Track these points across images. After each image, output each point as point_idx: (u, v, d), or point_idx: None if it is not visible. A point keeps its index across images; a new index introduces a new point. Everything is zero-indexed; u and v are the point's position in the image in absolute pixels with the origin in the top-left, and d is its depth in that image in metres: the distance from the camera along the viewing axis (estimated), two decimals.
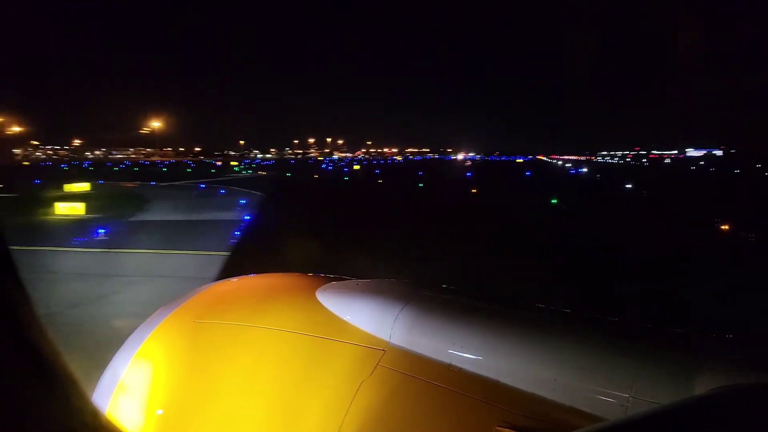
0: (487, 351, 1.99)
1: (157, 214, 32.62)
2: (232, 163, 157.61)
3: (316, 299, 2.48)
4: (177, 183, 61.62)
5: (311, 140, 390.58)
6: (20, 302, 0.85)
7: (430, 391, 1.94)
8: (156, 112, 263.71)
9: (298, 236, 19.91)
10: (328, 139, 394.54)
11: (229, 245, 20.88)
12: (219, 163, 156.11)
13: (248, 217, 27.85)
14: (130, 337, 2.50)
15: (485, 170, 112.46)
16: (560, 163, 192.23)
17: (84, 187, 50.13)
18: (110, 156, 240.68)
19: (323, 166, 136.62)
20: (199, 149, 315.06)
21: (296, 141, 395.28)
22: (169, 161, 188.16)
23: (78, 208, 31.93)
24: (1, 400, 0.73)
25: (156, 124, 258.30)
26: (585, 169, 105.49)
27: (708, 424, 1.22)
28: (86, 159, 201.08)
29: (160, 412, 2.18)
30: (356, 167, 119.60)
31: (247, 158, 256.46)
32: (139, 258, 19.02)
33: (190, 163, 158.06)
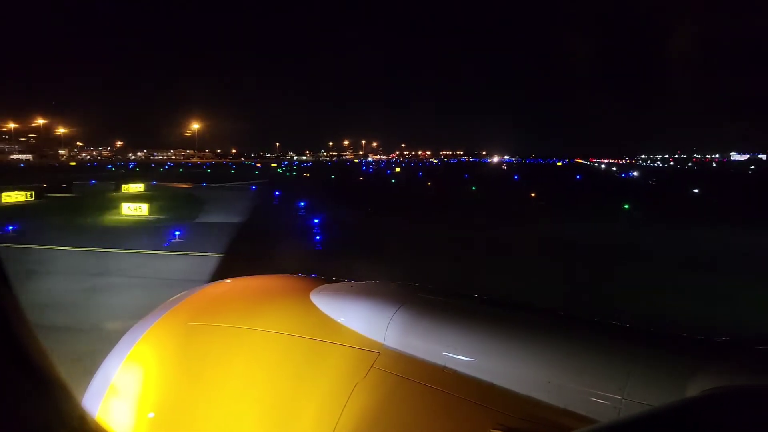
0: (482, 353, 1.96)
1: (219, 215, 32.01)
2: (272, 165, 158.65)
3: (311, 301, 2.44)
4: (226, 184, 61.47)
5: (346, 142, 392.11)
6: (8, 305, 0.84)
7: (424, 393, 1.91)
8: (195, 114, 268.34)
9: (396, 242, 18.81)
10: (363, 142, 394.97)
11: (317, 248, 19.98)
12: (259, 165, 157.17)
13: (317, 220, 26.79)
14: (121, 340, 2.44)
15: (530, 173, 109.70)
16: (603, 166, 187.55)
17: (139, 188, 50.29)
18: (152, 157, 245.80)
19: (363, 168, 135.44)
20: (235, 151, 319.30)
21: (331, 143, 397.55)
22: (210, 162, 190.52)
23: (143, 210, 31.54)
24: None
25: (196, 126, 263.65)
26: (635, 173, 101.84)
27: (700, 426, 1.22)
28: (129, 160, 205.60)
29: (151, 415, 2.14)
30: (397, 170, 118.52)
31: (284, 160, 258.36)
32: (227, 262, 18.14)
33: (231, 165, 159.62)
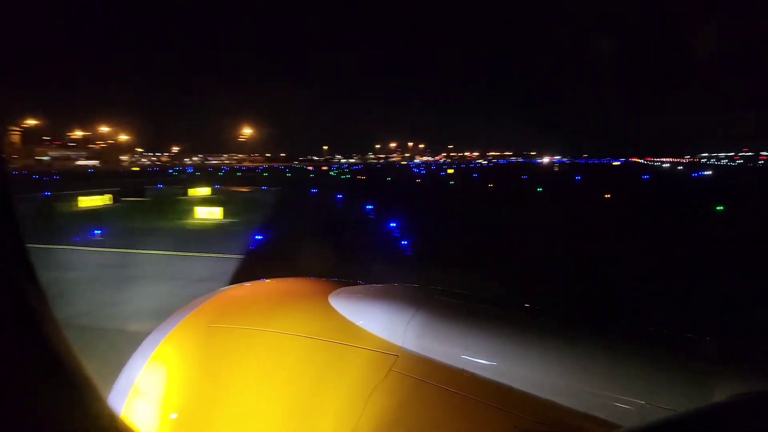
0: (501, 356, 1.97)
1: (289, 219, 31.82)
2: (323, 167, 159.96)
3: (329, 304, 2.46)
4: (284, 187, 61.90)
5: (393, 144, 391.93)
6: (39, 304, 0.86)
7: (443, 396, 1.91)
8: (246, 120, 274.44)
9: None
10: (410, 144, 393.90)
11: (405, 254, 19.24)
12: (311, 168, 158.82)
13: (394, 224, 26.06)
14: (144, 341, 2.48)
15: (591, 173, 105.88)
16: (667, 165, 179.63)
17: (206, 192, 51.12)
18: (206, 162, 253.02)
19: (416, 170, 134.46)
20: (283, 155, 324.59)
21: (378, 146, 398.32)
22: (263, 166, 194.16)
23: (217, 214, 31.71)
24: (19, 402, 0.75)
25: (247, 131, 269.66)
26: (708, 173, 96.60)
27: None
28: (186, 165, 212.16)
29: (174, 416, 2.17)
30: (450, 171, 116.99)
31: (333, 164, 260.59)
32: (311, 265, 17.64)
33: (284, 168, 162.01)
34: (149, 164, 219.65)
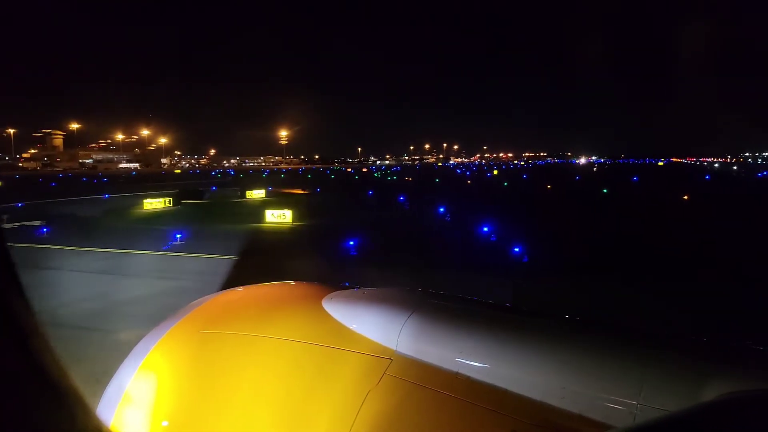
0: (495, 359, 1.96)
1: (362, 221, 30.49)
2: (363, 169, 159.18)
3: (323, 308, 2.44)
4: (337, 190, 60.74)
5: (427, 146, 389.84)
6: (24, 314, 0.85)
7: (437, 400, 1.91)
8: (282, 123, 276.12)
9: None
10: (444, 145, 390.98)
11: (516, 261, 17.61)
12: (350, 170, 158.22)
13: (486, 229, 24.37)
14: (134, 348, 2.45)
15: (643, 174, 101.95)
16: (717, 165, 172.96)
17: (261, 194, 50.38)
18: (243, 164, 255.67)
19: (459, 171, 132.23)
20: (318, 157, 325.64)
21: (412, 147, 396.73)
22: (302, 168, 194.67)
23: (287, 217, 30.61)
24: (6, 413, 0.74)
25: (283, 133, 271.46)
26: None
27: (717, 431, 1.23)
28: (224, 167, 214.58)
29: (165, 423, 2.15)
30: (495, 172, 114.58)
31: (370, 165, 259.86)
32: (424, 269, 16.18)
33: (325, 170, 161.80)
34: (188, 167, 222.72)
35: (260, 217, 31.26)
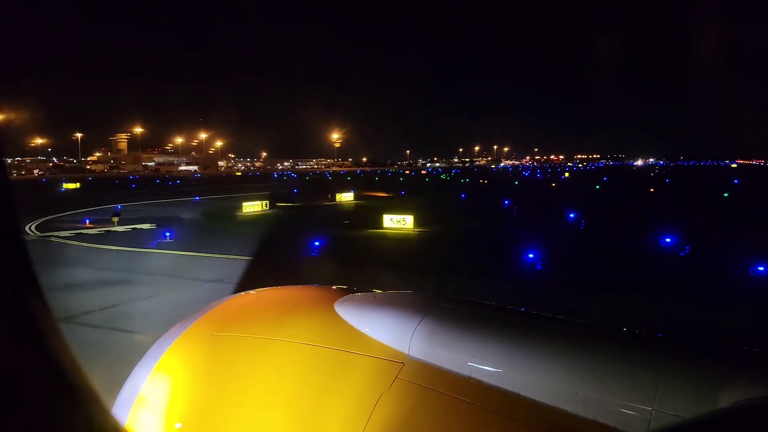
0: (507, 363, 1.95)
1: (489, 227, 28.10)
2: (423, 171, 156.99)
3: (335, 312, 2.44)
4: (420, 192, 58.55)
5: (477, 148, 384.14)
6: (42, 314, 0.86)
7: (449, 404, 1.91)
8: (334, 126, 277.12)
9: None
10: (495, 147, 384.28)
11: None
12: (409, 172, 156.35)
13: (669, 240, 21.58)
14: (149, 350, 2.48)
15: (724, 177, 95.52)
16: None
17: (350, 197, 48.86)
18: (297, 167, 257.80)
19: (526, 173, 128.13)
20: (365, 159, 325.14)
21: (461, 149, 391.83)
22: (359, 170, 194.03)
23: (407, 223, 28.60)
24: (23, 413, 0.75)
25: (335, 136, 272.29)
26: None
27: None
28: (278, 170, 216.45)
29: (179, 425, 2.17)
30: (566, 174, 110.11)
31: (427, 167, 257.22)
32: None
33: (387, 172, 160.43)
34: (245, 169, 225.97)
35: (373, 222, 29.49)
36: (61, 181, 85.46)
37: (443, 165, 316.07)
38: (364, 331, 2.29)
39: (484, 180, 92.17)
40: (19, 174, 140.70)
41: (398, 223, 28.81)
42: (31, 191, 64.51)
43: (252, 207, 38.88)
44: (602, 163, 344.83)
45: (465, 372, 1.97)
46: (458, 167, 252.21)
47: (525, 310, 2.44)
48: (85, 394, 0.85)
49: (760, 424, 1.25)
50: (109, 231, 28.07)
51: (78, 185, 76.45)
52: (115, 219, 30.47)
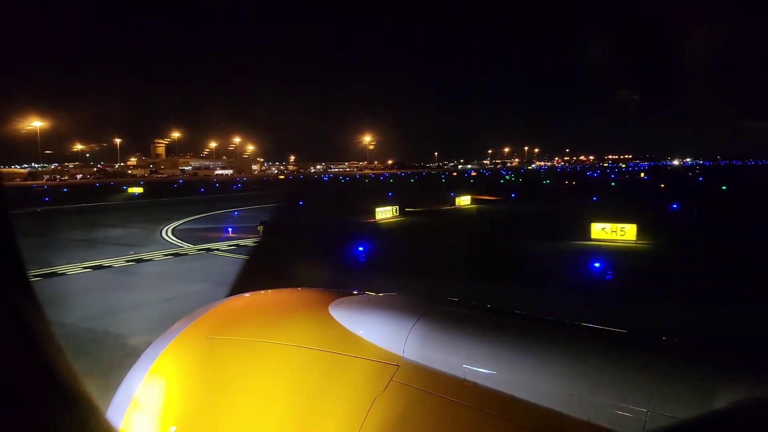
0: (503, 365, 1.94)
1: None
2: (473, 173, 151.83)
3: (329, 314, 2.43)
4: (531, 194, 53.49)
5: (506, 149, 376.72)
6: (34, 317, 0.85)
7: (444, 406, 1.90)
8: (364, 128, 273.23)
9: None
10: (526, 148, 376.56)
11: None
12: (455, 174, 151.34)
13: None
14: (143, 354, 2.47)
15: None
16: None
17: (467, 201, 44.11)
18: (329, 170, 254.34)
19: (589, 173, 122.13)
20: (390, 162, 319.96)
21: (490, 150, 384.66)
22: (403, 173, 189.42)
23: (625, 232, 23.72)
24: (16, 417, 0.74)
25: (367, 138, 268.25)
26: None
27: None
28: (310, 173, 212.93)
29: (173, 429, 2.15)
30: (642, 174, 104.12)
31: (468, 169, 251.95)
32: None
33: (423, 174, 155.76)
34: (277, 172, 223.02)
35: (564, 231, 24.74)
36: (123, 187, 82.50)
37: (474, 166, 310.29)
38: (358, 333, 2.25)
39: (570, 182, 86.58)
40: (61, 179, 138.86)
41: (613, 233, 24.00)
42: (99, 195, 61.16)
43: (385, 213, 34.70)
44: (643, 164, 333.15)
45: (460, 374, 1.95)
46: (489, 169, 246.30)
47: (520, 312, 2.38)
48: (79, 397, 0.84)
49: (756, 424, 1.23)
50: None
51: (142, 190, 72.90)
52: (261, 228, 26.37)
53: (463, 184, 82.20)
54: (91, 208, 46.52)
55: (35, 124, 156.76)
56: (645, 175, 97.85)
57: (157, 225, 30.81)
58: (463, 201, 43.89)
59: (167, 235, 27.38)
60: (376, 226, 31.49)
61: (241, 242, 24.24)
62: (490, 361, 1.95)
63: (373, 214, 34.11)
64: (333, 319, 2.36)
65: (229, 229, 27.19)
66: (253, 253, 21.26)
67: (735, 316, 11.72)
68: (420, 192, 54.60)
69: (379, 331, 2.21)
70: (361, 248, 20.60)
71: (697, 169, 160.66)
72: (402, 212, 36.15)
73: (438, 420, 1.87)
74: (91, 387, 0.85)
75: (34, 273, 17.63)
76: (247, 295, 3.04)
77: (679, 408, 1.57)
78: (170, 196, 61.05)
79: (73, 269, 18.68)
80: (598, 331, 2.20)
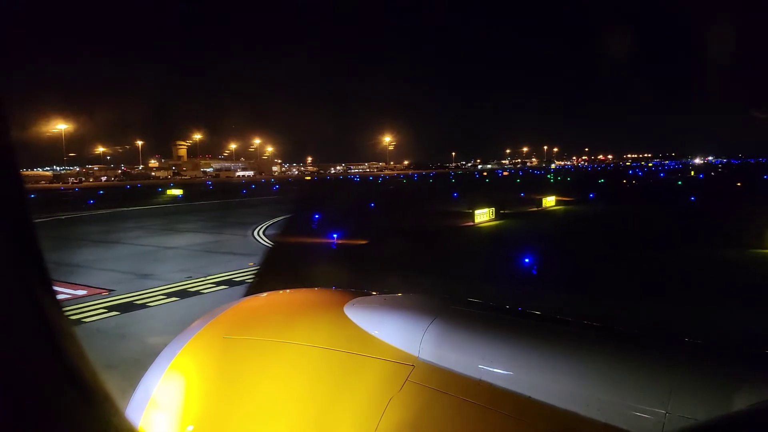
0: (518, 366, 1.93)
1: None
2: (505, 173, 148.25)
3: (345, 314, 2.41)
4: (606, 195, 49.86)
5: (525, 149, 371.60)
6: (53, 313, 0.85)
7: (460, 406, 1.89)
8: (381, 129, 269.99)
9: None
10: (545, 147, 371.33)
11: None
12: (485, 174, 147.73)
13: None
14: (161, 353, 2.47)
15: None
16: None
17: (551, 201, 40.70)
18: (349, 170, 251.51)
19: (631, 172, 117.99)
20: (407, 162, 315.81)
21: (508, 150, 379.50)
22: (432, 172, 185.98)
23: None
24: (37, 415, 0.74)
25: (386, 139, 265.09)
26: None
27: None
28: (330, 174, 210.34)
29: (191, 428, 2.15)
30: (692, 173, 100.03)
31: (497, 169, 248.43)
32: None
33: (450, 174, 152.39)
34: (298, 174, 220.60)
35: (720, 237, 21.33)
36: (159, 189, 79.79)
37: (494, 166, 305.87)
38: (374, 333, 2.24)
39: (623, 181, 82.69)
40: (86, 181, 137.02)
41: None
42: (141, 198, 58.41)
43: (483, 216, 31.49)
44: (672, 162, 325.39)
45: (476, 374, 1.93)
46: (510, 168, 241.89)
47: (535, 312, 2.36)
48: (99, 395, 0.84)
49: None
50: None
51: (182, 192, 70.15)
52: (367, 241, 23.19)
53: (510, 184, 78.72)
54: (147, 211, 43.60)
55: (60, 126, 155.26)
56: (700, 174, 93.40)
57: (241, 230, 27.74)
58: (549, 202, 40.48)
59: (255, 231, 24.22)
60: (483, 230, 28.25)
61: (372, 251, 21.05)
62: (505, 362, 1.93)
63: (465, 217, 30.97)
64: (348, 319, 2.34)
65: (335, 236, 23.99)
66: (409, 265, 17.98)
67: None
68: (475, 192, 51.26)
69: (395, 332, 2.19)
70: (527, 260, 17.29)
71: (720, 168, 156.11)
72: (498, 215, 32.85)
73: (453, 420, 1.86)
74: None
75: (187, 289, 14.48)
76: (263, 295, 3.05)
77: (698, 409, 1.55)
78: (215, 199, 58.15)
79: (216, 289, 15.49)
80: (614, 332, 2.16)
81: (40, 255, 0.86)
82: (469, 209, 31.92)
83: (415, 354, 2.09)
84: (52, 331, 0.82)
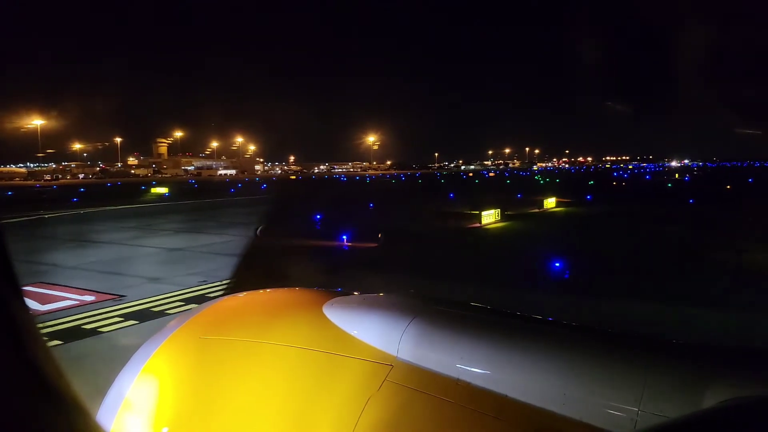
0: (496, 365, 1.96)
1: None
2: (490, 174, 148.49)
3: (324, 314, 2.41)
4: (604, 197, 49.69)
5: (507, 150, 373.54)
6: (22, 317, 0.82)
7: (438, 406, 1.91)
8: (366, 129, 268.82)
9: None
10: (527, 149, 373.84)
11: None
12: (471, 174, 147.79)
13: None
14: (135, 354, 2.43)
15: None
16: None
17: (552, 203, 40.24)
18: (332, 170, 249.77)
19: (615, 174, 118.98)
20: (389, 162, 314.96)
21: (490, 152, 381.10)
22: (420, 172, 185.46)
23: None
24: (2, 419, 0.71)
25: (371, 139, 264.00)
26: None
27: None
28: (314, 173, 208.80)
29: (165, 430, 2.13)
30: (676, 175, 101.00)
31: (483, 169, 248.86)
32: None
33: (437, 175, 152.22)
34: (281, 173, 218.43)
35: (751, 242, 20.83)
36: (142, 187, 77.73)
37: (477, 167, 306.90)
38: (352, 333, 2.24)
39: (612, 183, 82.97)
40: (63, 179, 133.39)
41: None
42: (126, 196, 56.52)
43: (489, 218, 30.81)
44: (651, 165, 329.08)
45: (454, 374, 1.95)
46: (494, 169, 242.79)
47: (514, 312, 2.39)
48: (67, 399, 0.81)
49: (745, 423, 1.25)
50: None
51: (167, 190, 68.30)
52: (380, 235, 22.40)
53: (500, 185, 78.49)
54: (136, 210, 41.86)
55: (35, 122, 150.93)
56: (686, 176, 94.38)
57: (245, 230, 26.59)
58: (550, 203, 40.06)
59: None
60: (495, 232, 27.56)
61: (387, 253, 20.15)
62: (483, 361, 1.94)
63: (471, 218, 30.34)
64: (327, 319, 2.34)
65: (344, 237, 23.04)
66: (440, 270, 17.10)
67: None
68: (469, 193, 50.70)
69: (374, 331, 2.19)
70: (558, 264, 16.57)
71: (695, 171, 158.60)
72: (503, 216, 32.23)
73: (432, 420, 1.87)
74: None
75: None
76: (240, 294, 3.01)
77: (668, 407, 1.58)
78: (204, 198, 56.56)
79: None
80: (591, 332, 2.20)
81: (5, 252, 0.82)
82: (473, 210, 31.30)
83: (394, 354, 2.08)
84: (19, 333, 0.79)
